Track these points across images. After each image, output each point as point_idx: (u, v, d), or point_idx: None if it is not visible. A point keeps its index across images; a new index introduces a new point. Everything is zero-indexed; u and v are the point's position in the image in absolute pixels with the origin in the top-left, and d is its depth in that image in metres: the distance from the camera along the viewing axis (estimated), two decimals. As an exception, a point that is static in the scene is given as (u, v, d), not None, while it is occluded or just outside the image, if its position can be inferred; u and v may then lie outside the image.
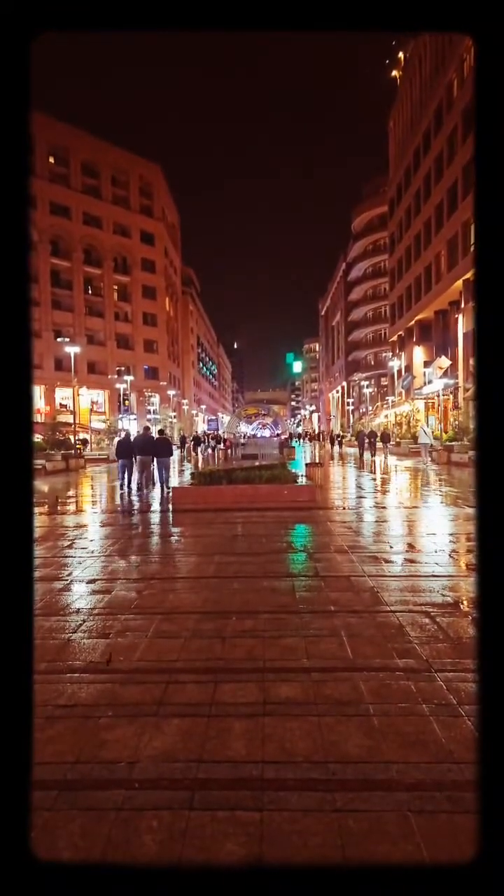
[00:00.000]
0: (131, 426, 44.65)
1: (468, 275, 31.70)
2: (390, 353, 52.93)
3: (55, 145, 49.61)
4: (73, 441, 29.53)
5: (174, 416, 58.94)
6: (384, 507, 11.14)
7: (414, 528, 8.86)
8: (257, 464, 15.80)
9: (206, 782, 2.36)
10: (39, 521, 10.15)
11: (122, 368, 54.02)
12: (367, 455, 28.21)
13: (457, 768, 2.41)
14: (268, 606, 4.76)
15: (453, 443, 23.77)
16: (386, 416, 48.17)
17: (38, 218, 47.75)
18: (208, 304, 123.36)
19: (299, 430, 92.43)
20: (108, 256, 55.07)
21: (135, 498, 13.63)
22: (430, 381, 35.79)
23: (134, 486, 14.90)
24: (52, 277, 49.65)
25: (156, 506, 12.22)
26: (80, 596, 5.27)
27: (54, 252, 50.07)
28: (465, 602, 4.82)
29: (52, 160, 50.02)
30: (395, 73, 51.57)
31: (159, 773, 2.43)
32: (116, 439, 24.12)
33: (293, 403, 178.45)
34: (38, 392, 46.96)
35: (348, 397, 72.10)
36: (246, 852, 1.94)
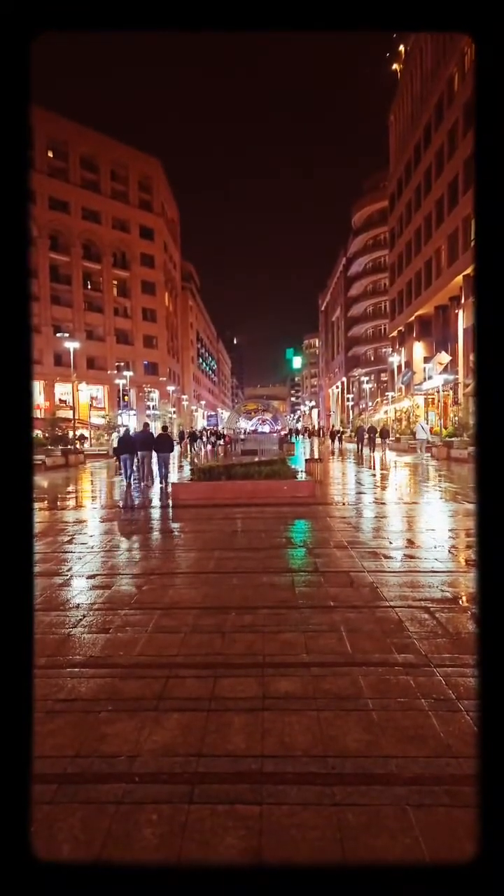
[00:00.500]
0: (131, 422, 44.66)
1: (468, 270, 31.61)
2: (390, 349, 52.82)
3: (54, 139, 49.33)
4: (72, 436, 29.54)
5: (174, 412, 58.89)
6: (383, 503, 11.15)
7: (413, 523, 8.87)
8: (257, 459, 15.81)
9: (205, 776, 2.37)
10: (40, 516, 10.17)
11: (122, 364, 53.93)
12: (366, 451, 28.23)
13: (455, 763, 2.42)
14: (267, 602, 4.77)
15: (453, 439, 23.77)
16: (386, 412, 48.16)
17: (37, 213, 47.54)
18: (208, 301, 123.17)
19: (298, 425, 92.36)
20: (108, 251, 54.86)
21: (135, 493, 13.65)
22: (430, 377, 35.75)
23: (133, 481, 14.94)
24: (52, 272, 49.49)
25: (156, 501, 12.23)
26: (80, 591, 5.28)
27: (53, 247, 49.88)
28: (464, 597, 4.83)
29: (51, 154, 49.75)
30: (395, 66, 51.17)
31: (159, 767, 2.44)
32: (114, 434, 24.10)
33: (293, 399, 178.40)
34: (38, 387, 46.90)
35: (348, 393, 72.04)
36: (245, 845, 1.96)
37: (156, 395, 59.33)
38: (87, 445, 34.97)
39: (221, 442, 36.07)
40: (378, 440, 30.17)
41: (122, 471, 14.85)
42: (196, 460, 21.15)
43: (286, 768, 2.41)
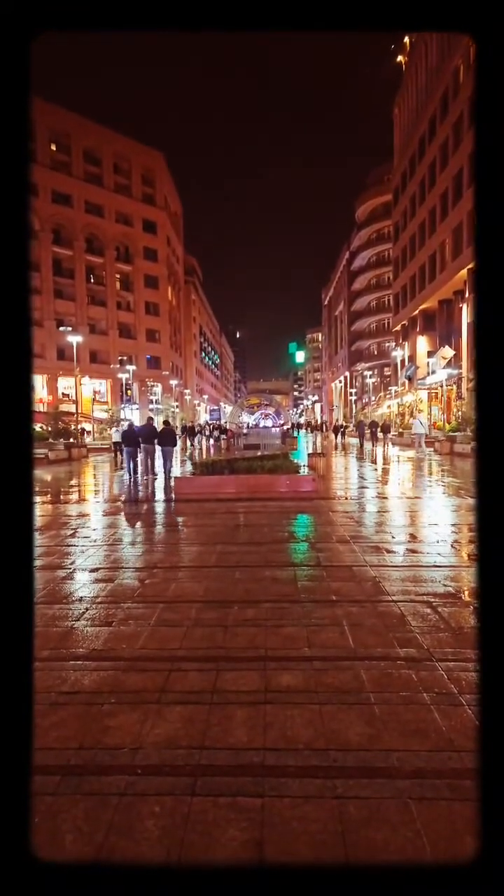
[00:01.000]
0: (133, 415, 44.75)
1: (472, 264, 31.45)
2: (393, 343, 52.66)
3: (57, 132, 49.17)
4: (75, 430, 29.62)
5: (176, 406, 58.94)
6: (385, 498, 11.15)
7: (416, 518, 8.86)
8: (259, 454, 15.83)
9: (208, 769, 2.38)
10: (42, 510, 10.20)
11: (125, 358, 53.99)
12: (367, 445, 28.21)
13: (457, 756, 2.43)
14: (270, 596, 4.78)
15: (456, 433, 23.73)
16: (389, 406, 48.09)
17: (39, 206, 47.49)
18: (211, 295, 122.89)
19: (301, 420, 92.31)
20: (111, 245, 54.75)
21: (138, 487, 13.68)
22: (433, 371, 35.63)
23: (138, 475, 15.00)
24: (54, 266, 49.51)
25: (159, 495, 12.26)
26: (84, 584, 5.30)
27: (56, 241, 49.85)
28: (466, 592, 4.83)
29: (53, 148, 49.62)
30: (400, 58, 50.68)
31: (162, 760, 2.45)
32: (115, 429, 24.18)
33: (296, 393, 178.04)
34: (41, 381, 46.98)
35: (351, 387, 71.94)
36: (247, 837, 1.97)
37: (159, 389, 59.38)
38: (89, 439, 35.07)
39: (224, 436, 36.10)
40: (380, 435, 30.12)
41: (125, 464, 14.92)
42: (194, 456, 21.16)
43: (288, 761, 2.42)
